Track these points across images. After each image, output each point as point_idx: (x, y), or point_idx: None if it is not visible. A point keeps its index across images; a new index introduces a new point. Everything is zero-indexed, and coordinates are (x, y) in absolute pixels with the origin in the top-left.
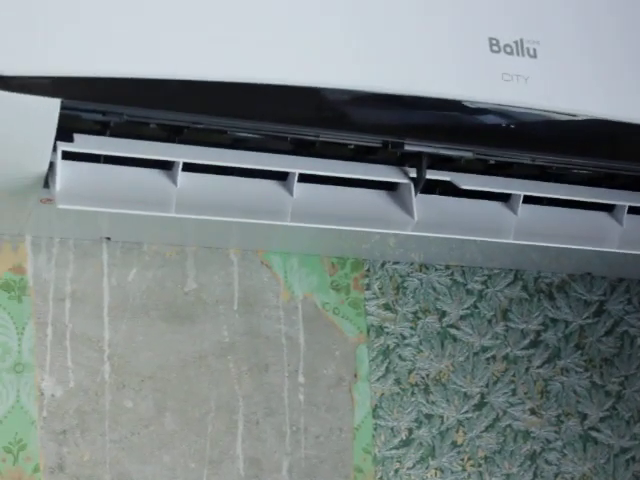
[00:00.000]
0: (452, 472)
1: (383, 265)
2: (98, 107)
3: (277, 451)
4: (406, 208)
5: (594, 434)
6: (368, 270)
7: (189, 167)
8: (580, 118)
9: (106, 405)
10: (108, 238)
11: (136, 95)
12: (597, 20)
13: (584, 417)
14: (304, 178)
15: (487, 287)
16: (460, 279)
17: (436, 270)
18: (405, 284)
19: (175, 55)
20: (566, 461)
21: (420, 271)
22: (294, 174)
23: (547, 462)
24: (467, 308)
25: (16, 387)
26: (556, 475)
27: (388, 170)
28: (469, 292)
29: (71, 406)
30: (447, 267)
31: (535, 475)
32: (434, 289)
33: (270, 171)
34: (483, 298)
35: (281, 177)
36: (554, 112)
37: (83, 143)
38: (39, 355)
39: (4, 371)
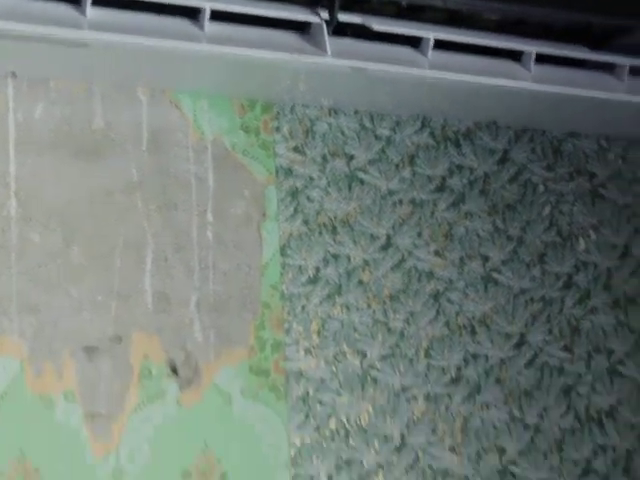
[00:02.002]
0: (358, 309)
1: (293, 108)
2: None
3: (185, 286)
4: (319, 46)
5: (495, 275)
6: (278, 113)
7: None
8: None
9: (13, 239)
10: (14, 73)
11: None
12: None
13: (486, 259)
14: (217, 16)
15: (395, 133)
16: (369, 124)
17: (345, 115)
18: (314, 128)
19: None
20: (468, 301)
21: (329, 115)
22: (205, 10)
23: (449, 301)
24: (375, 153)
25: None
26: (457, 313)
27: (301, 10)
28: (377, 137)
29: None
30: (356, 112)
31: (438, 313)
32: (343, 133)
33: (182, 8)
34: (391, 144)
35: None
36: None
37: None
38: None
39: None
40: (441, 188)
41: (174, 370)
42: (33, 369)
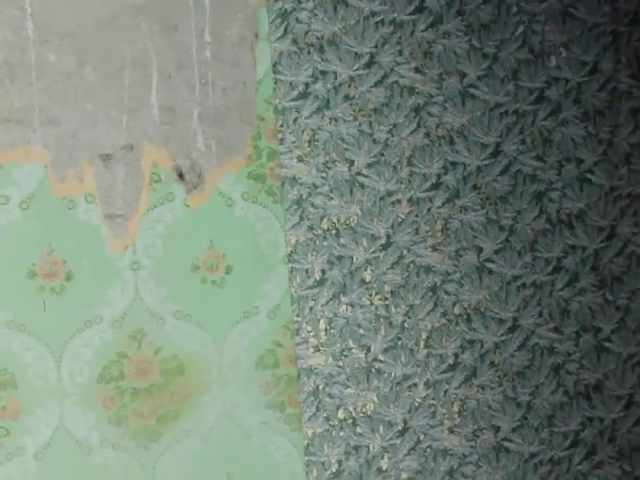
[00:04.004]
0: (345, 122)
1: None
2: None
3: (188, 101)
4: None
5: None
6: None
7: None
8: None
9: (31, 58)
10: None
11: None
12: None
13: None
14: None
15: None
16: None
17: None
18: None
19: None
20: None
21: None
22: None
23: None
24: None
25: None
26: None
27: None
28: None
29: None
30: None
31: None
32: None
33: None
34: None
35: None
36: None
37: None
38: None
39: None
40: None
41: (181, 176)
42: (56, 175)
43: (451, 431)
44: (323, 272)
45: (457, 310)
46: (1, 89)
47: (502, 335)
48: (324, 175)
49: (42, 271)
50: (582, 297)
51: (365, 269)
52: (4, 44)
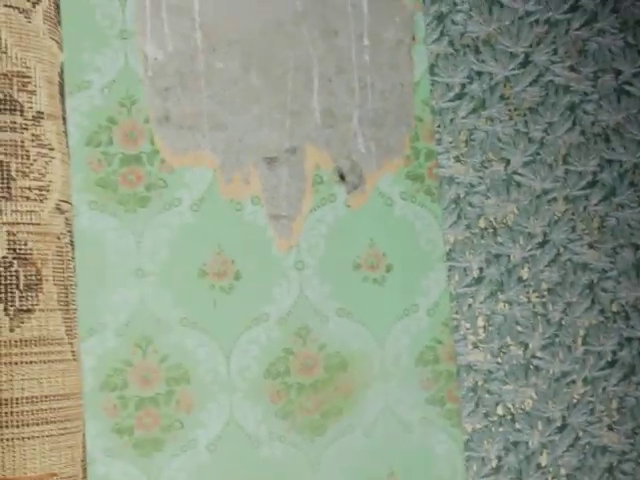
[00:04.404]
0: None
1: None
2: None
3: (348, 104)
4: None
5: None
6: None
7: None
8: None
9: (200, 66)
10: None
11: None
12: None
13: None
14: None
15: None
16: None
17: None
18: None
19: None
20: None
21: None
22: None
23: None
24: None
25: (124, 51)
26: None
27: None
28: None
29: (171, 67)
30: None
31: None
32: None
33: None
34: None
35: None
36: None
37: None
38: (140, 24)
39: (113, 37)
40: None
41: (342, 177)
42: (224, 177)
43: (610, 428)
44: (481, 270)
45: (615, 307)
46: (174, 97)
47: None
48: (481, 174)
49: (212, 270)
50: None
51: (522, 267)
52: (176, 54)
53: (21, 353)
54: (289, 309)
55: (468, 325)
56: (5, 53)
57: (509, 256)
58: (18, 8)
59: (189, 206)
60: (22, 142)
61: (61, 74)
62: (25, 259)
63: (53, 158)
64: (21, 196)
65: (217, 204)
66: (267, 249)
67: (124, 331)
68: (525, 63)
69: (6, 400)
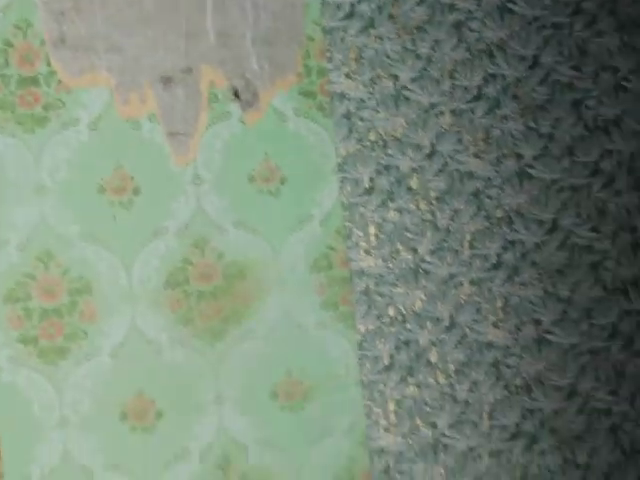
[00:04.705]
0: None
1: None
2: None
3: (241, 24)
4: None
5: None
6: None
7: None
8: None
9: None
10: None
11: None
12: None
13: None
14: None
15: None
16: None
17: None
18: None
19: None
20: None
21: None
22: None
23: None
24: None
25: None
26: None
27: None
28: None
29: None
30: None
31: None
32: None
33: None
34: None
35: None
36: None
37: None
38: None
39: None
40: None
41: (236, 95)
42: (121, 97)
43: (495, 325)
44: (371, 180)
45: (499, 213)
46: (68, 20)
47: (542, 236)
48: (370, 90)
49: (111, 187)
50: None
51: (411, 177)
52: None
53: None
54: (187, 222)
55: (360, 233)
56: None
57: (398, 167)
58: None
59: (87, 125)
60: None
61: None
62: None
63: None
64: None
65: (114, 123)
66: (165, 165)
67: (26, 246)
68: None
69: None
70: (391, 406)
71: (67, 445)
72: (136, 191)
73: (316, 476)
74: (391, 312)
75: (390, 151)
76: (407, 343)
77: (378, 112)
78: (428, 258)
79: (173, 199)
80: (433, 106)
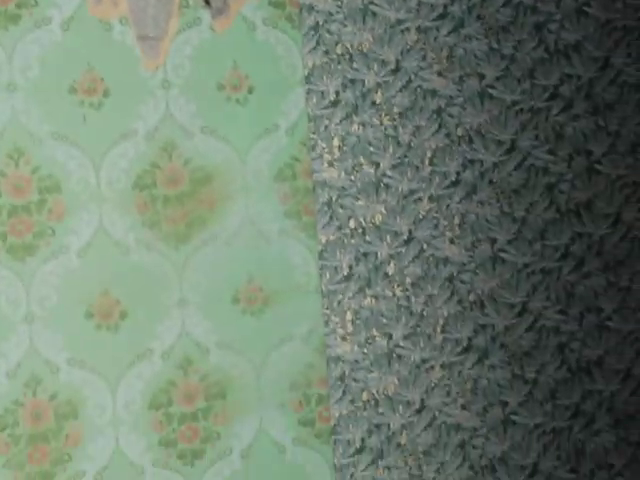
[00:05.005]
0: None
1: None
2: None
3: None
4: None
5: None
6: None
7: None
8: None
9: None
10: None
11: None
12: None
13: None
14: None
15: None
16: None
17: None
18: None
19: None
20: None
21: None
22: None
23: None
24: None
25: None
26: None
27: None
28: None
29: None
30: None
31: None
32: None
33: None
34: None
35: None
36: None
37: None
38: None
39: None
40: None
41: (207, 1)
42: None
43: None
44: (337, 94)
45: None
46: None
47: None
48: (339, 3)
49: (82, 87)
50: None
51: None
52: None
53: None
54: (156, 125)
55: (324, 145)
56: None
57: (364, 81)
58: None
59: (59, 25)
60: None
61: None
62: None
63: None
64: None
65: (86, 24)
66: (135, 68)
67: None
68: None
69: None
70: (349, 316)
71: (33, 340)
72: (106, 93)
73: (274, 380)
74: (352, 224)
75: (356, 65)
76: (366, 255)
77: (346, 26)
78: (389, 172)
79: (142, 102)
80: (399, 22)
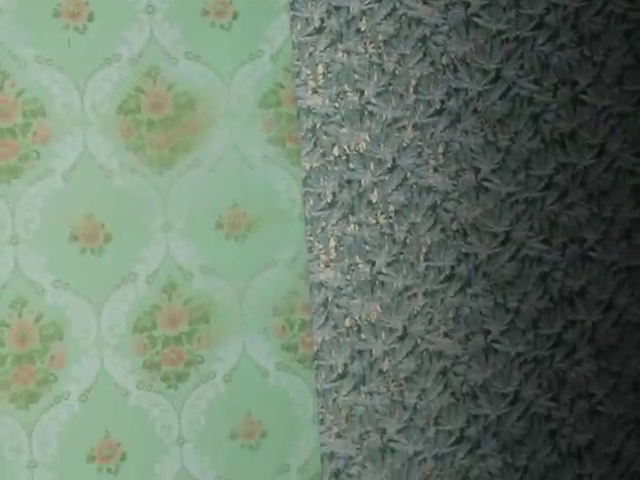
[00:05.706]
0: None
1: None
2: None
3: None
4: None
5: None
6: None
7: None
8: None
9: None
10: None
11: None
12: None
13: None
14: None
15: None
16: None
17: None
18: None
19: None
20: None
21: None
22: None
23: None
24: None
25: None
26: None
27: None
28: None
29: None
30: None
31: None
32: None
33: None
34: None
35: None
36: None
37: None
38: None
39: None
40: None
41: None
42: None
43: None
44: (322, 21)
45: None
46: None
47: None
48: None
49: (67, 11)
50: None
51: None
52: None
53: None
54: (140, 50)
55: (309, 71)
56: None
57: (348, 8)
58: None
59: None
60: None
61: None
62: None
63: None
64: None
65: None
66: None
67: None
68: None
69: None
70: (332, 242)
71: (18, 262)
72: (90, 17)
73: (257, 305)
74: (336, 151)
75: None
76: (350, 182)
77: None
78: (374, 100)
79: (127, 27)
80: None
